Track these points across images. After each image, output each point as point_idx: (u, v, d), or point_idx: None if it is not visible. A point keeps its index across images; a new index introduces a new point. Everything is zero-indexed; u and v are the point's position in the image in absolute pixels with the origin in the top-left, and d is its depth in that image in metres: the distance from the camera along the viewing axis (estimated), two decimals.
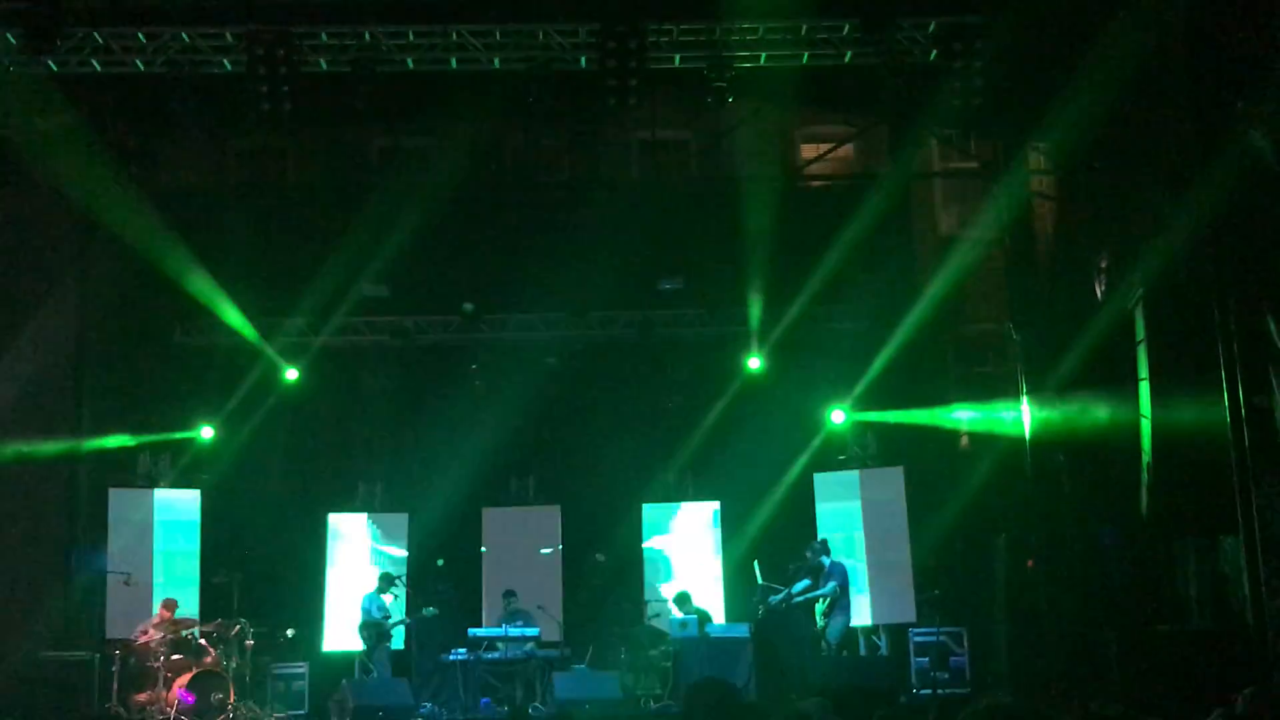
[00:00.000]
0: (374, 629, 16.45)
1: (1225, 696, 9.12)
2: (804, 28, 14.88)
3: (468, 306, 17.96)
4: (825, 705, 6.07)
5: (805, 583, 15.80)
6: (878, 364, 17.63)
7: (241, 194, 18.96)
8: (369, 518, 18.05)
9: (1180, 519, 14.02)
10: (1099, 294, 16.00)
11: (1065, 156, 16.54)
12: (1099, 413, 15.51)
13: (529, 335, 18.75)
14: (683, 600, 16.62)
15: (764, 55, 15.15)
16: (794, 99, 16.25)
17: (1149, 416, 14.57)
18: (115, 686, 14.79)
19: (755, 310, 18.01)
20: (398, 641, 16.73)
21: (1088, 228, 16.41)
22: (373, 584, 16.95)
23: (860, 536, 17.40)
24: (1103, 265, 15.96)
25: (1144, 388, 14.76)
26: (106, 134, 17.15)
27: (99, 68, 15.00)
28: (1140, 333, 14.96)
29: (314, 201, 18.83)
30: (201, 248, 17.37)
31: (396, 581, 16.87)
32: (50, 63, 14.74)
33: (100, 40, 14.68)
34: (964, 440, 18.53)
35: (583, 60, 15.05)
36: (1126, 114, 14.67)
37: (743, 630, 15.71)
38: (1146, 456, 14.66)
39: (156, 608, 15.65)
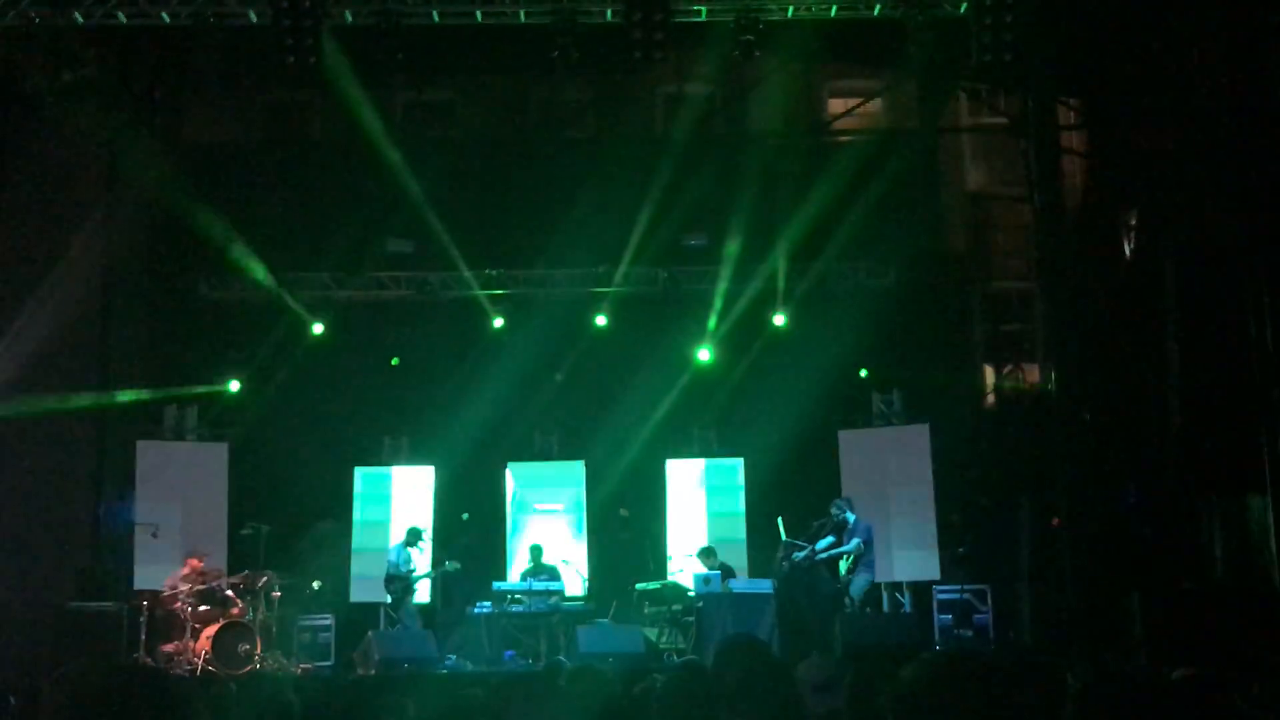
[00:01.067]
0: (400, 582, 16.53)
1: (1250, 654, 9.11)
2: None
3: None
4: (841, 663, 6.07)
5: (829, 539, 15.79)
6: (904, 320, 17.54)
7: (266, 148, 18.95)
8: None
9: (1208, 477, 13.96)
10: (1127, 251, 15.89)
11: (1095, 113, 16.39)
12: (1127, 370, 15.42)
13: (553, 290, 18.72)
14: (706, 554, 16.65)
15: (791, 8, 15.00)
16: (821, 53, 16.12)
17: (1177, 375, 14.48)
18: (143, 637, 14.93)
19: (780, 266, 17.92)
20: (422, 594, 16.81)
21: (1116, 184, 16.28)
22: (399, 537, 17.02)
23: (885, 494, 17.36)
24: (1131, 222, 15.84)
25: (1172, 347, 14.67)
26: (132, 87, 17.17)
27: (124, 20, 14.96)
28: (1169, 291, 14.85)
29: (338, 155, 18.79)
30: (226, 201, 17.38)
31: (422, 537, 16.93)
32: (76, 15, 14.71)
33: None
34: (989, 398, 18.47)
35: (609, 13, 14.93)
36: (1157, 69, 14.51)
37: (766, 586, 15.71)
38: (1174, 414, 14.58)
39: (184, 560, 15.75)
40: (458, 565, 16.55)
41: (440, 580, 16.63)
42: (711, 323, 18.41)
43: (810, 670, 6.15)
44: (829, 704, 5.57)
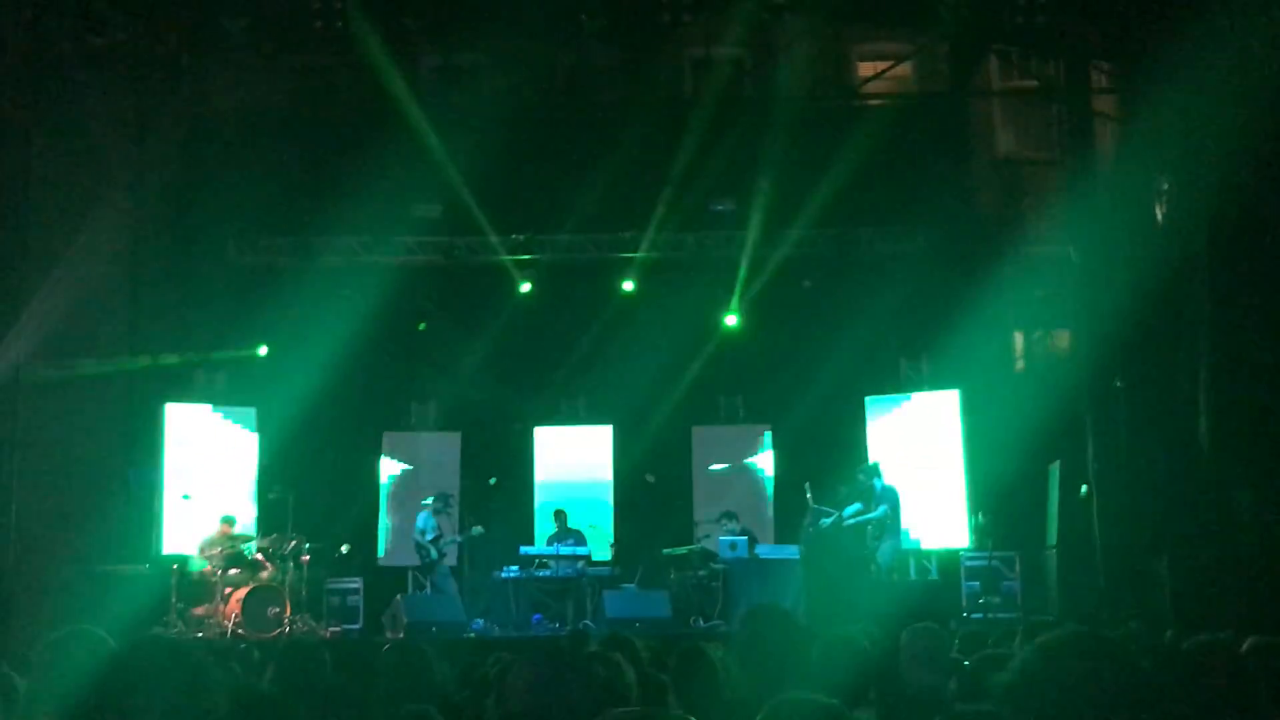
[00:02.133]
0: (428, 548, 16.59)
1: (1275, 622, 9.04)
2: None
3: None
4: (871, 632, 6.01)
5: (857, 506, 15.74)
6: (933, 286, 17.43)
7: (293, 113, 18.91)
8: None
9: (1237, 445, 13.84)
10: (1159, 217, 15.71)
11: (1128, 77, 16.20)
12: (1158, 336, 15.28)
13: (580, 255, 18.66)
14: (728, 517, 16.67)
15: None
16: (851, 16, 15.96)
17: (1208, 342, 14.34)
18: (174, 600, 15.05)
19: (808, 231, 17.83)
20: (450, 559, 16.89)
21: (1150, 149, 16.08)
22: (425, 505, 17.09)
23: (912, 461, 17.31)
24: (1164, 188, 15.65)
25: (1204, 311, 14.52)
26: (159, 53, 17.16)
27: None
28: (1204, 259, 14.69)
29: (365, 120, 18.74)
30: (254, 165, 17.38)
31: (449, 502, 16.99)
32: None
33: None
34: (1020, 364, 18.36)
35: None
36: (1193, 32, 14.30)
37: (792, 552, 15.72)
38: (1205, 381, 14.45)
39: (215, 523, 15.85)
40: (481, 529, 16.60)
41: (467, 545, 16.70)
42: (738, 288, 18.34)
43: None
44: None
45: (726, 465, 17.90)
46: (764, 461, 18.38)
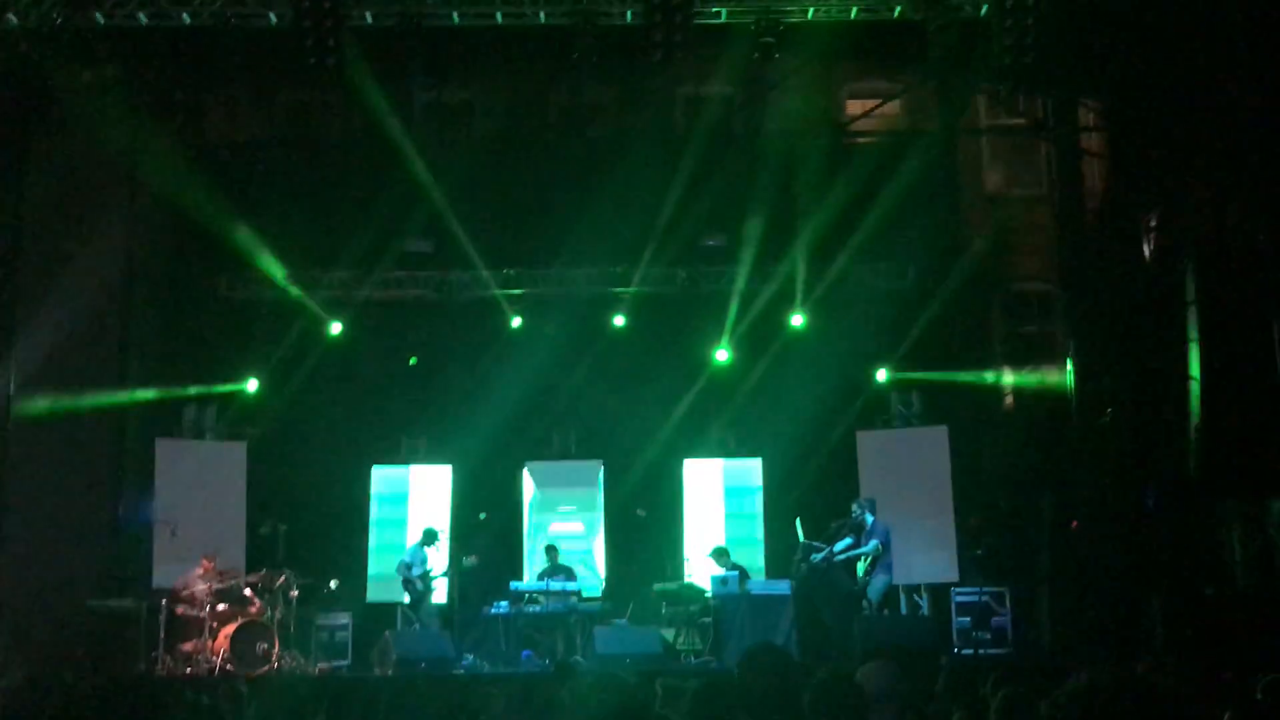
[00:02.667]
0: (417, 583, 16.52)
1: (1270, 659, 9.06)
2: None
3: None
4: (888, 669, 6.01)
5: (848, 540, 15.75)
6: (922, 322, 17.51)
7: (286, 148, 18.96)
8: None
9: (1228, 481, 13.91)
10: (1147, 253, 15.83)
11: (1115, 114, 16.34)
12: (1146, 372, 15.37)
13: (571, 290, 18.71)
14: (720, 554, 16.65)
15: (811, 10, 15.02)
16: (841, 54, 16.08)
17: (1198, 378, 14.43)
18: (161, 635, 14.96)
19: (799, 267, 17.91)
20: (439, 594, 16.82)
21: (1137, 186, 16.22)
22: (416, 537, 17.04)
23: (903, 495, 17.32)
24: (1151, 224, 15.78)
25: (1193, 349, 14.62)
26: (152, 87, 17.20)
27: (145, 21, 15.02)
28: (1190, 293, 14.80)
29: (358, 155, 18.80)
30: (247, 201, 17.43)
31: (439, 536, 16.94)
32: (98, 15, 14.77)
33: None
34: (1009, 400, 18.42)
35: (629, 15, 14.95)
36: (1178, 71, 14.45)
37: (784, 587, 15.69)
38: (1195, 418, 14.53)
39: (200, 560, 15.78)
40: (475, 560, 16.54)
41: (457, 580, 16.63)
42: (730, 323, 18.39)
43: (871, 678, 6.03)
44: (891, 714, 5.51)
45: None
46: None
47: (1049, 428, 16.99)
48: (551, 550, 17.05)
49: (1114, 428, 15.83)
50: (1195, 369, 14.55)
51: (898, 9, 14.94)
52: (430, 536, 16.77)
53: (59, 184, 17.16)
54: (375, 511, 18.03)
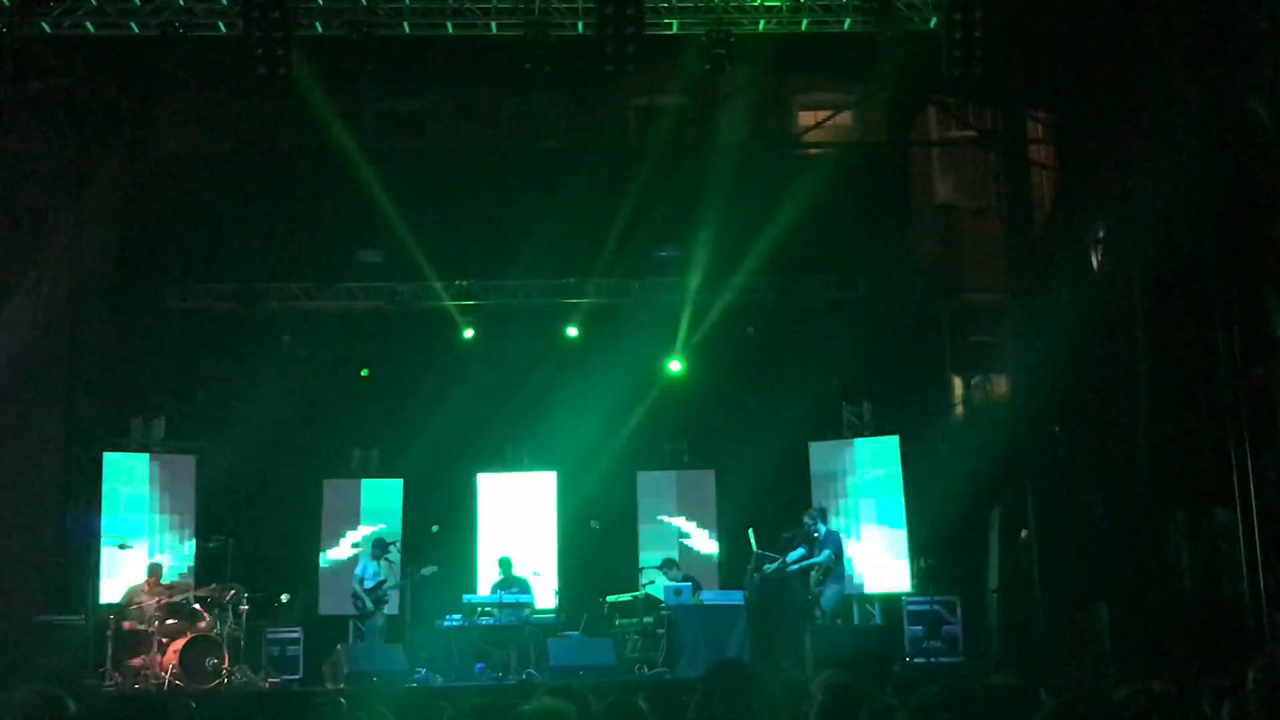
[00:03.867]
0: (367, 596, 16.40)
1: (1217, 665, 9.15)
2: None
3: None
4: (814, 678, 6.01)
5: (800, 551, 15.77)
6: (873, 332, 17.59)
7: (235, 158, 18.85)
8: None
9: (1176, 490, 14.05)
10: (1096, 264, 15.98)
11: (1064, 126, 16.51)
12: (1095, 382, 15.51)
13: (524, 301, 18.69)
14: (668, 565, 16.66)
15: (762, 22, 15.06)
16: (792, 66, 16.16)
17: (1146, 387, 14.56)
18: (110, 651, 14.79)
19: (751, 278, 17.96)
20: (391, 606, 16.72)
21: (1085, 197, 16.38)
22: (367, 550, 16.94)
23: (855, 505, 17.42)
24: (1100, 235, 15.93)
25: (1140, 357, 14.76)
26: (100, 97, 17.06)
27: (92, 30, 14.87)
28: (1136, 301, 14.94)
29: (309, 166, 18.71)
30: (195, 212, 17.30)
31: (390, 548, 16.83)
32: (44, 24, 14.62)
33: (94, 2, 14.55)
34: (959, 410, 18.54)
35: (580, 26, 14.95)
36: (1126, 82, 14.61)
37: (737, 598, 15.70)
38: (1143, 427, 14.66)
39: (142, 573, 15.63)
40: (434, 568, 16.44)
41: (410, 592, 16.53)
42: (682, 334, 18.42)
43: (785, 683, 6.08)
44: None
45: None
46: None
47: (998, 437, 17.11)
48: (505, 562, 16.98)
49: (1062, 437, 15.96)
50: (1142, 379, 14.68)
51: (847, 21, 15.01)
52: (380, 548, 16.66)
53: (6, 195, 16.96)
54: (325, 524, 17.92)
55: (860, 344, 17.73)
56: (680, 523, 18.24)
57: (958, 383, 18.96)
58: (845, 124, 19.45)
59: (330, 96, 16.58)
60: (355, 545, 17.84)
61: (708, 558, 18.06)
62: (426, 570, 16.34)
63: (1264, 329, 12.49)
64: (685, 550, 17.69)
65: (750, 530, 16.07)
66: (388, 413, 18.47)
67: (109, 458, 16.97)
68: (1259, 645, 11.73)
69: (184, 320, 18.42)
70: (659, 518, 18.24)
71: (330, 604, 17.43)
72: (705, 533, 18.21)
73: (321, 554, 17.85)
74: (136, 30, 14.87)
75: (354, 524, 18.07)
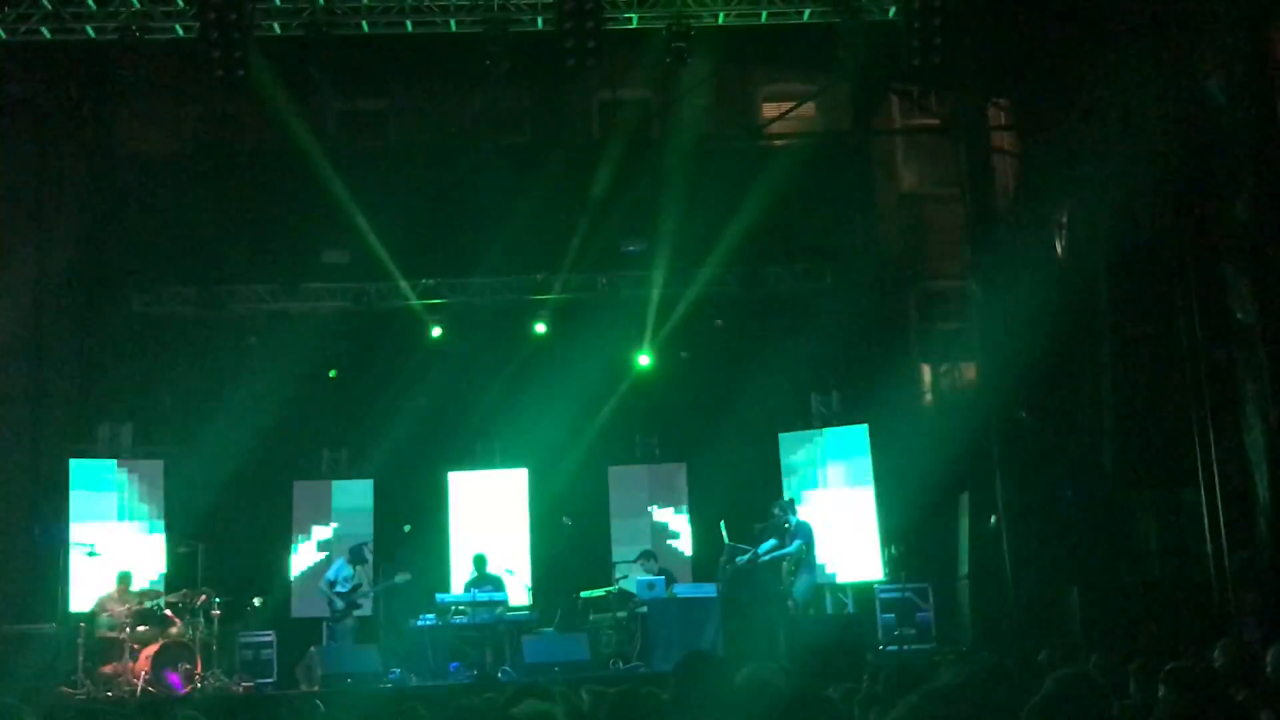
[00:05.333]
0: (336, 601, 16.34)
1: (1186, 646, 9.22)
2: None
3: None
4: (788, 670, 6.04)
5: (772, 542, 15.81)
6: (840, 322, 17.63)
7: (198, 159, 18.74)
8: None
9: (1141, 473, 14.14)
10: (1059, 249, 16.06)
11: (1025, 113, 16.57)
12: (1061, 367, 15.59)
13: (491, 298, 18.66)
14: (646, 557, 16.68)
15: (722, 14, 15.06)
16: (754, 58, 16.17)
17: (1110, 371, 14.65)
18: (80, 659, 14.70)
19: (717, 270, 17.97)
20: (365, 608, 16.68)
21: (1048, 183, 16.45)
22: (339, 554, 16.90)
23: (826, 495, 17.46)
24: (1063, 220, 16.01)
25: (1105, 342, 14.84)
26: (60, 101, 16.94)
27: (48, 35, 14.76)
28: (1100, 286, 15.03)
29: (272, 166, 18.62)
30: (159, 214, 17.19)
31: (365, 552, 16.79)
32: None
33: (49, 6, 14.44)
34: (927, 397, 18.61)
35: (540, 21, 14.92)
36: (1085, 68, 14.68)
37: (710, 590, 15.73)
38: (1108, 410, 14.75)
39: (111, 581, 15.55)
40: (408, 576, 16.40)
41: (384, 594, 16.50)
42: (650, 328, 18.43)
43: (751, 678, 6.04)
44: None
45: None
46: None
47: (966, 423, 17.18)
48: (479, 560, 16.96)
49: (1030, 423, 16.03)
50: (1107, 363, 14.77)
51: (807, 12, 15.02)
52: (356, 554, 16.62)
53: None
54: (297, 527, 17.86)
55: (828, 333, 17.77)
56: (658, 514, 18.25)
57: (926, 370, 19.02)
58: (809, 114, 19.48)
59: (291, 97, 16.50)
60: (321, 547, 17.79)
61: (680, 551, 18.07)
62: (400, 579, 16.27)
63: (1225, 311, 12.57)
64: (658, 544, 17.68)
65: (722, 523, 16.11)
66: (357, 413, 18.42)
67: (76, 464, 16.87)
68: (1225, 626, 11.83)
69: (149, 324, 18.31)
70: (639, 510, 18.24)
71: (303, 606, 17.38)
72: (677, 526, 18.22)
73: (291, 556, 17.78)
74: (93, 35, 14.77)
75: (325, 524, 18.02)
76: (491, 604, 16.14)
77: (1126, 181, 14.16)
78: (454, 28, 15.05)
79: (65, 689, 14.44)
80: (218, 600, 15.27)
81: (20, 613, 15.78)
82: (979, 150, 17.10)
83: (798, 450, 17.81)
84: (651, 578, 16.02)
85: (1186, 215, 13.24)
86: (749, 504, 16.74)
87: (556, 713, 5.07)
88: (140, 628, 14.79)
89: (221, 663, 15.26)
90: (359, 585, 16.45)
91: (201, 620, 15.07)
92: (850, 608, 16.76)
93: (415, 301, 18.42)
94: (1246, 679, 6.55)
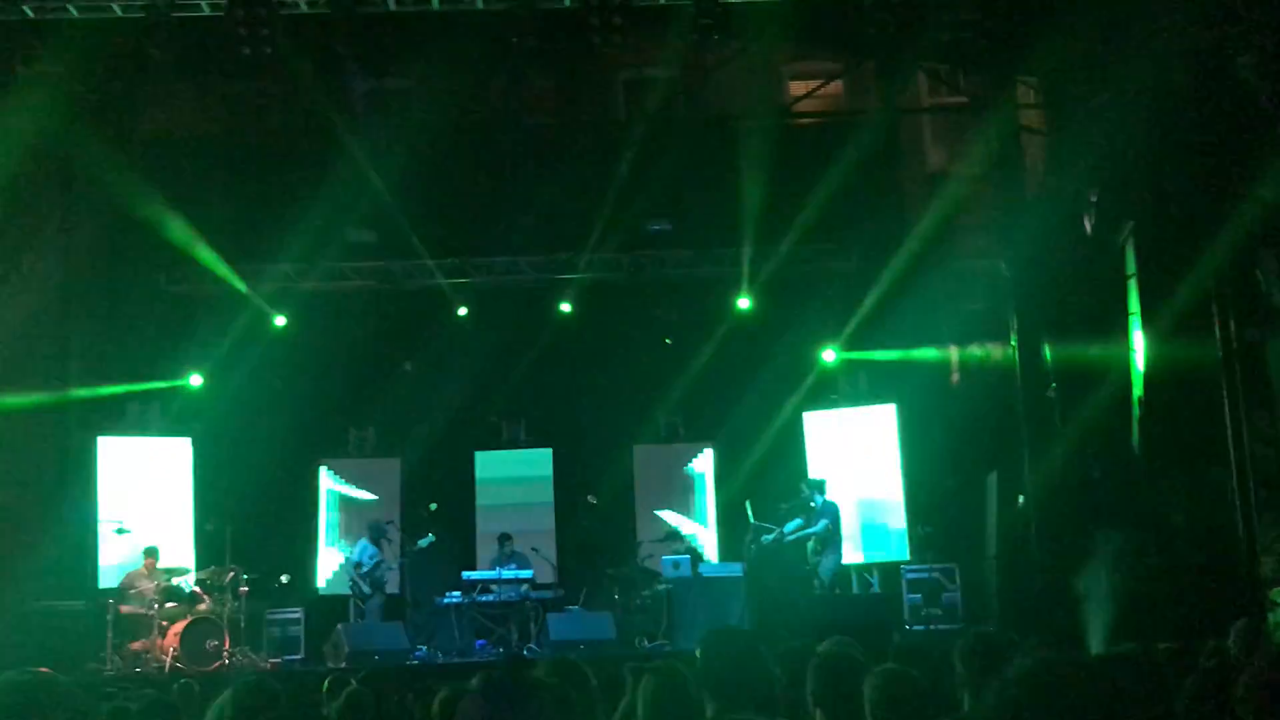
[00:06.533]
0: (362, 584, 16.39)
1: (1214, 628, 9.16)
2: None
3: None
4: (844, 641, 5.99)
5: (798, 522, 15.81)
6: (868, 301, 17.57)
7: (224, 139, 18.74)
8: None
9: (1171, 453, 14.04)
10: (1088, 228, 15.94)
11: (1054, 90, 16.43)
12: (1090, 347, 15.49)
13: (517, 278, 18.66)
14: (674, 537, 16.70)
15: None
16: (781, 35, 16.04)
17: (1140, 351, 14.55)
18: (109, 636, 14.80)
19: (744, 250, 17.91)
20: (391, 585, 16.75)
21: (1077, 161, 16.32)
22: (365, 531, 16.95)
23: (852, 475, 17.42)
24: (1092, 199, 15.88)
25: (1134, 321, 14.74)
26: (86, 81, 16.94)
27: (75, 13, 14.78)
28: (1131, 267, 14.92)
29: (298, 146, 18.62)
30: (185, 194, 17.20)
31: (388, 529, 16.85)
32: (26, 9, 14.52)
33: None
34: (955, 377, 18.53)
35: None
36: (1116, 45, 14.54)
37: (736, 570, 15.76)
38: (1138, 390, 14.66)
39: (138, 557, 15.64)
40: (432, 538, 16.46)
41: (409, 570, 16.57)
42: (676, 308, 18.39)
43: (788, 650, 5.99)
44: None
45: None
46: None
47: (995, 404, 17.10)
48: (504, 538, 17.00)
49: (1058, 402, 15.93)
50: (1136, 342, 14.66)
51: None
52: (378, 531, 16.67)
53: None
54: (324, 505, 17.93)
55: (856, 313, 17.72)
56: (679, 496, 18.26)
57: (953, 350, 18.92)
58: (837, 92, 19.34)
59: (318, 76, 16.49)
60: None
61: (705, 530, 18.08)
62: (423, 541, 16.36)
63: (1256, 291, 12.47)
64: (684, 523, 17.70)
65: (747, 502, 16.11)
66: (383, 392, 18.46)
67: (104, 441, 16.97)
68: (1257, 607, 11.77)
69: (177, 302, 18.37)
70: (666, 490, 18.26)
71: (330, 584, 17.46)
72: (702, 506, 18.23)
73: (320, 533, 17.86)
74: (120, 13, 14.77)
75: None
76: (517, 582, 16.21)
77: (1156, 160, 14.04)
78: (481, 6, 14.99)
79: (93, 665, 14.56)
80: (245, 577, 15.36)
81: (51, 590, 15.86)
82: (1007, 128, 16.96)
83: (824, 429, 17.77)
84: (677, 557, 16.04)
85: (1216, 195, 13.12)
86: (775, 483, 16.74)
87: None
88: (168, 604, 14.89)
89: (249, 640, 15.36)
90: (381, 562, 16.51)
91: (229, 597, 15.17)
92: (876, 587, 16.75)
93: (441, 281, 18.43)
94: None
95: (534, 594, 16.31)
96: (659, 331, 18.50)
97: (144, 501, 16.82)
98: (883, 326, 17.63)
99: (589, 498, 17.80)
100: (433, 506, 17.84)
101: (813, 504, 15.85)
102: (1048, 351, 16.20)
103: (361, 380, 18.53)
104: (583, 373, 18.42)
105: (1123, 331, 14.89)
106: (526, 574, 16.41)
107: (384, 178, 17.01)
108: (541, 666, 5.81)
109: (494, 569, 16.54)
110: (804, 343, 18.09)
